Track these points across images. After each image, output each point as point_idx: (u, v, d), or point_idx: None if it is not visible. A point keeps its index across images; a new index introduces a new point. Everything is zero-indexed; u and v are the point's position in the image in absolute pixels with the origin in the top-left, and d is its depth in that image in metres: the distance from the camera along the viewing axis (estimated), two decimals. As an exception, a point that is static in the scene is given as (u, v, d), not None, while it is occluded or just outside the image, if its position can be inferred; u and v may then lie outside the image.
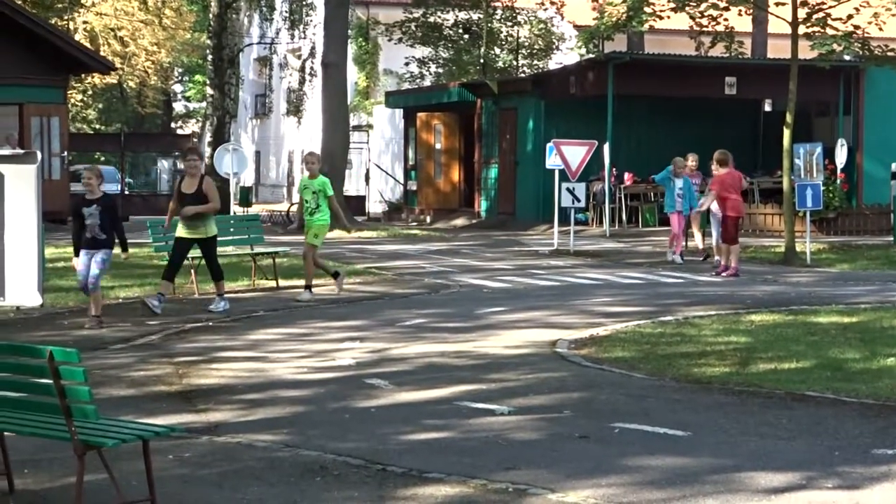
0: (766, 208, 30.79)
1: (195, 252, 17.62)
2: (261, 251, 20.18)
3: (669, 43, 37.41)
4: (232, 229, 21.14)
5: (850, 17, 24.38)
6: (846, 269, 22.75)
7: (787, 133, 23.88)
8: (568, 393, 10.99)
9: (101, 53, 42.02)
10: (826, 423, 9.71)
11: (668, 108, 34.77)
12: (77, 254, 15.17)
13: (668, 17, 26.03)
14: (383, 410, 10.36)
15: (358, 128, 45.14)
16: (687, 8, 25.23)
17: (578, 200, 26.10)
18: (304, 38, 46.99)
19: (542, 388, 11.19)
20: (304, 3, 47.14)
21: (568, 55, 43.93)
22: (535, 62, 44.61)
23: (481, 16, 43.02)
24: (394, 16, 45.19)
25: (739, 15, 28.45)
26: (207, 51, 46.27)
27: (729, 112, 35.22)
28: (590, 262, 24.05)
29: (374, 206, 42.82)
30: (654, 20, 26.19)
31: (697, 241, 23.75)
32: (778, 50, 36.21)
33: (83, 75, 42.13)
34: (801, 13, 24.28)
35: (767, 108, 35.05)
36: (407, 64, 44.23)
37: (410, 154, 40.43)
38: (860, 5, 24.76)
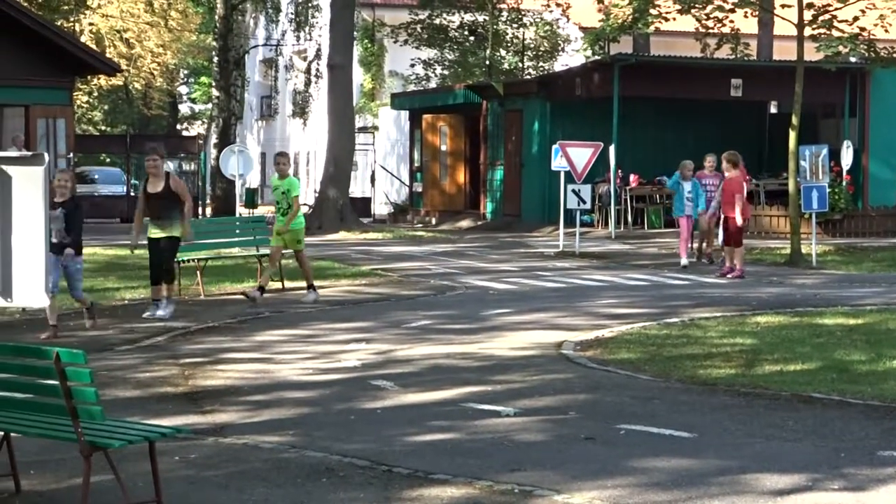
0: (771, 210, 30.78)
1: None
2: (266, 253, 20.16)
3: (675, 45, 37.36)
4: (237, 231, 21.16)
5: (855, 18, 24.40)
6: (852, 270, 22.70)
7: (792, 135, 23.86)
8: (574, 394, 10.99)
9: (107, 55, 42.02)
10: (832, 425, 9.71)
11: (673, 109, 34.71)
12: None
13: (674, 19, 26.08)
14: (389, 412, 10.36)
15: (363, 129, 45.15)
16: (693, 10, 25.24)
17: (584, 202, 26.06)
18: (310, 39, 47.03)
19: (548, 390, 11.19)
20: (309, 4, 47.17)
21: (573, 57, 43.91)
22: (541, 64, 44.64)
23: (487, 17, 43.01)
24: (399, 17, 45.21)
25: (745, 17, 28.45)
26: (213, 52, 46.38)
27: (735, 114, 35.16)
28: (595, 264, 24.03)
29: (380, 208, 42.80)
30: (659, 22, 26.25)
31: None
32: (784, 52, 36.22)
33: (89, 77, 42.13)
34: (807, 15, 24.29)
35: (773, 109, 35.05)
36: (412, 66, 44.25)
37: (416, 156, 40.39)
38: (866, 7, 24.76)
